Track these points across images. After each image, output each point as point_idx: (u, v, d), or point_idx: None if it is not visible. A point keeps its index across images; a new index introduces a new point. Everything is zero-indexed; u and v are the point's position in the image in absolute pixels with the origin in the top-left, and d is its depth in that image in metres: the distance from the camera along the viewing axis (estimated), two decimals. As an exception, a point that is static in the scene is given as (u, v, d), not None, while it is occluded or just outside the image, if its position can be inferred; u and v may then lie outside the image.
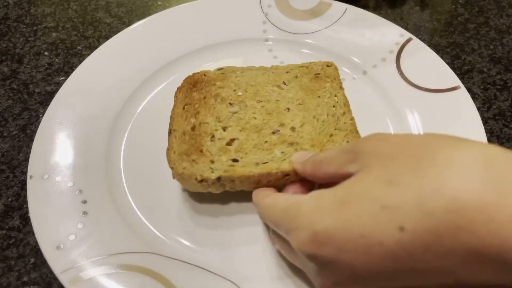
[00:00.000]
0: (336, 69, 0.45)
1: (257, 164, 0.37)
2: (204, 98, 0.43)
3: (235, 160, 0.38)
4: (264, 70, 0.46)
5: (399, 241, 0.23)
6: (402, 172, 0.25)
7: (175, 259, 0.36)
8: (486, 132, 0.40)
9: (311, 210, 0.27)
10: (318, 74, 0.45)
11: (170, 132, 0.40)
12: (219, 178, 0.36)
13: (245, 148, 0.38)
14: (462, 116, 0.43)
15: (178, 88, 0.44)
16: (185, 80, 0.44)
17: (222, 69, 0.45)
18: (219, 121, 0.41)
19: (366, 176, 0.27)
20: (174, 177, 0.38)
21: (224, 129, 0.40)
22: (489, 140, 0.41)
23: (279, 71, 0.45)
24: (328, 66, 0.46)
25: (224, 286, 0.35)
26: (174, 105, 0.42)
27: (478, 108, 0.43)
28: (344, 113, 0.41)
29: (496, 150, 0.24)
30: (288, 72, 0.45)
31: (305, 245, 0.26)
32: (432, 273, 0.23)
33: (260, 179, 0.36)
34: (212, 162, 0.37)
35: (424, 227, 0.23)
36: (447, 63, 0.47)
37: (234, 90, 0.43)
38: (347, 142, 0.39)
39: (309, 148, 0.38)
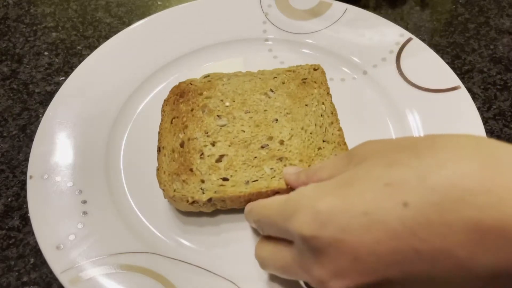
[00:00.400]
0: (323, 72, 0.45)
1: (247, 182, 0.37)
2: (192, 110, 0.42)
3: (225, 179, 0.38)
4: (250, 76, 0.45)
5: (402, 217, 0.23)
6: (401, 156, 0.25)
7: (175, 259, 0.36)
8: (486, 132, 0.40)
9: (313, 192, 0.27)
10: (305, 79, 0.45)
11: (159, 150, 0.40)
12: (210, 199, 0.36)
13: (234, 165, 0.39)
14: (462, 116, 0.43)
15: (164, 100, 0.44)
16: (172, 91, 0.44)
17: (208, 76, 0.45)
18: (207, 136, 0.41)
19: (366, 164, 0.27)
20: (165, 197, 0.38)
21: (213, 144, 0.40)
22: (489, 140, 0.41)
23: (265, 77, 0.45)
24: (315, 69, 0.46)
25: (224, 286, 0.35)
26: (162, 120, 0.42)
27: (478, 108, 0.43)
28: (332, 123, 0.41)
29: (485, 137, 0.26)
30: (275, 77, 0.45)
31: (307, 225, 0.26)
32: (433, 255, 0.23)
33: (251, 198, 0.37)
34: (203, 181, 0.38)
35: (427, 201, 0.23)
36: (447, 63, 0.47)
37: (222, 100, 0.43)
38: (335, 155, 0.39)
39: (297, 163, 0.39)
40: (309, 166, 0.38)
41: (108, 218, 0.38)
